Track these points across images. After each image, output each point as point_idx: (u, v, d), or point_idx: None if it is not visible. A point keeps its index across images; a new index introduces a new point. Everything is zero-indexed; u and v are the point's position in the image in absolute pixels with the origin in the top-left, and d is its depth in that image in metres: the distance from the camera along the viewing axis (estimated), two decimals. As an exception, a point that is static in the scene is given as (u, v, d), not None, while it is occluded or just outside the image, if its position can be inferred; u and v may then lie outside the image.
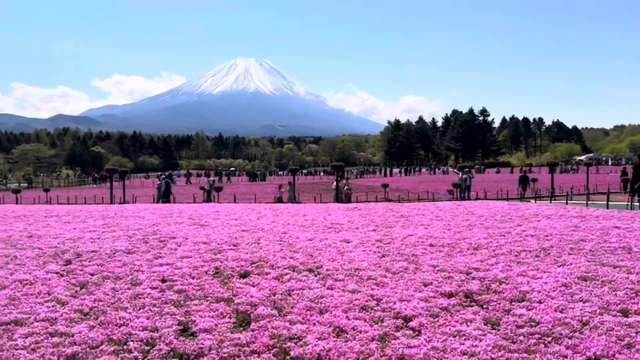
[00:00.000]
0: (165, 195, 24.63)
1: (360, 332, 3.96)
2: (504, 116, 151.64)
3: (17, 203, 27.73)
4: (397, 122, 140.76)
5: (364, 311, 4.51)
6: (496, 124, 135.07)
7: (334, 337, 3.89)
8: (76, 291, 5.23)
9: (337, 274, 5.82)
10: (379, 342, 3.76)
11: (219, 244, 7.86)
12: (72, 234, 9.00)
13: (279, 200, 23.82)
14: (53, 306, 4.66)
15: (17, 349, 3.61)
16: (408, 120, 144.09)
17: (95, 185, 60.23)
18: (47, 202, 29.94)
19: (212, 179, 30.49)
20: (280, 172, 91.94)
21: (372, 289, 5.18)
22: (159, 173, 78.03)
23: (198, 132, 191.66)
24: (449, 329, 4.02)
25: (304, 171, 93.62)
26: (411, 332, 4.01)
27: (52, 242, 7.92)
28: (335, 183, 25.19)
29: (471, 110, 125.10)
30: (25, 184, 54.58)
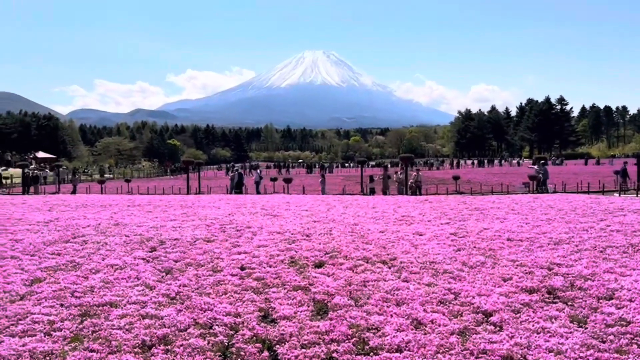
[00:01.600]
0: (237, 187, 25.39)
1: (439, 325, 3.92)
2: (583, 105, 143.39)
3: (101, 192, 29.54)
4: (468, 112, 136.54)
5: (441, 304, 4.46)
6: (575, 113, 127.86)
7: (412, 329, 3.88)
8: (162, 276, 5.53)
9: (411, 267, 5.78)
10: (459, 336, 3.71)
11: (292, 234, 8.02)
12: (155, 222, 9.49)
13: (371, 191, 23.72)
14: (142, 290, 4.95)
15: (113, 329, 3.88)
16: (480, 110, 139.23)
17: (171, 177, 62.99)
18: (128, 192, 31.67)
19: (259, 170, 31.17)
20: (349, 164, 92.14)
21: (449, 283, 5.11)
22: (227, 165, 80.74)
23: (267, 124, 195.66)
24: (533, 326, 3.89)
25: (372, 163, 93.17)
26: (492, 327, 3.92)
27: (137, 230, 8.40)
28: (401, 175, 24.88)
29: (548, 99, 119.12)
30: (99, 175, 57.79)
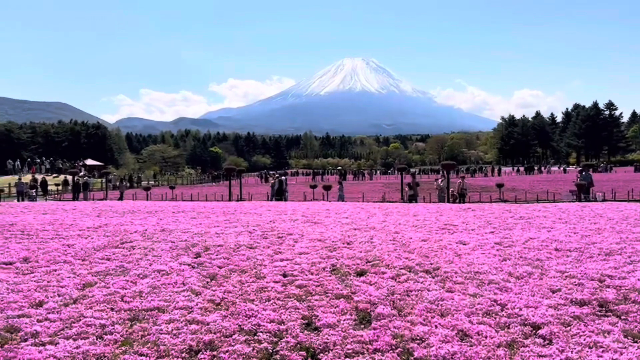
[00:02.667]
0: (278, 193, 25.64)
1: (486, 337, 3.84)
2: (634, 110, 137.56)
3: (147, 199, 30.38)
4: (512, 117, 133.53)
5: (487, 316, 4.36)
6: (625, 119, 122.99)
7: (457, 340, 3.82)
8: (207, 282, 5.63)
9: (456, 277, 5.69)
10: (506, 349, 3.63)
11: (333, 242, 8.02)
12: (199, 228, 9.68)
13: (410, 198, 23.54)
14: (188, 296, 5.06)
15: (161, 334, 3.98)
16: (524, 115, 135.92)
17: (214, 183, 64.08)
18: (173, 198, 32.43)
19: (283, 178, 31.30)
20: (391, 170, 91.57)
21: (495, 294, 5.00)
22: (262, 172, 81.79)
23: (306, 132, 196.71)
24: (584, 340, 3.76)
25: (412, 170, 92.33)
26: (541, 340, 3.81)
27: (182, 236, 8.59)
28: (442, 183, 24.53)
29: (595, 104, 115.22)
30: (138, 183, 58.95)
